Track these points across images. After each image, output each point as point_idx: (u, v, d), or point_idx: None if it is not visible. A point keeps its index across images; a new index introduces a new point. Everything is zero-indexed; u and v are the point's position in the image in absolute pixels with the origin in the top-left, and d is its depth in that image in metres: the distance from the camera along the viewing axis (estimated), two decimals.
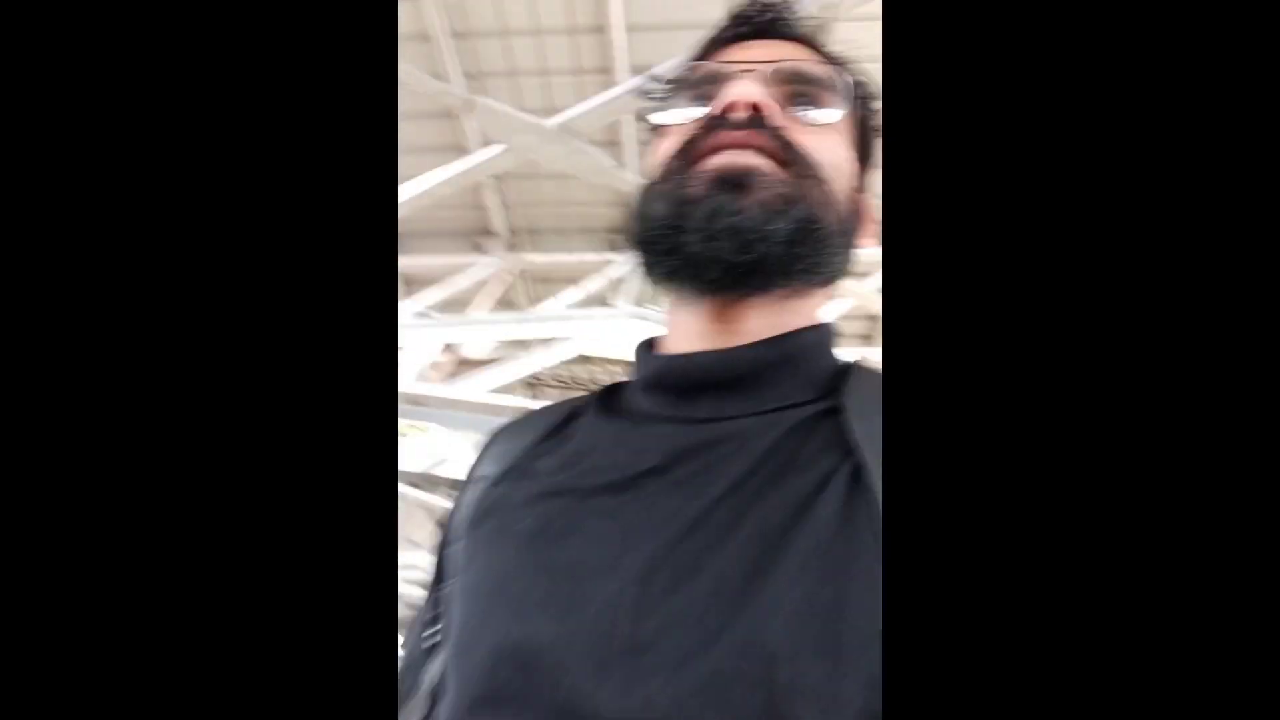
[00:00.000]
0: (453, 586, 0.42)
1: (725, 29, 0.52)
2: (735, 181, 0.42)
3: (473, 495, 0.46)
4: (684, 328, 0.47)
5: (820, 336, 0.47)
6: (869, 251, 0.50)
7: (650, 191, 0.46)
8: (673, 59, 0.50)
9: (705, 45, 0.52)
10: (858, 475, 0.37)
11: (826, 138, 0.47)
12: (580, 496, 0.41)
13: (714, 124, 0.45)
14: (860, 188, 0.51)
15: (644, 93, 0.51)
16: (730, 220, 0.41)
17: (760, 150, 0.43)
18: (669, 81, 0.50)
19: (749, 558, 0.35)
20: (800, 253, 0.43)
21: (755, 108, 0.44)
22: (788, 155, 0.44)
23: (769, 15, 0.51)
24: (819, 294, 0.49)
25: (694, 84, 0.49)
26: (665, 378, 0.45)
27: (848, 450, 0.38)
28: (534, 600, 0.37)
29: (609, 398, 0.50)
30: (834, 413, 0.41)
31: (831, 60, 0.50)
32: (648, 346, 0.50)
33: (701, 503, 0.37)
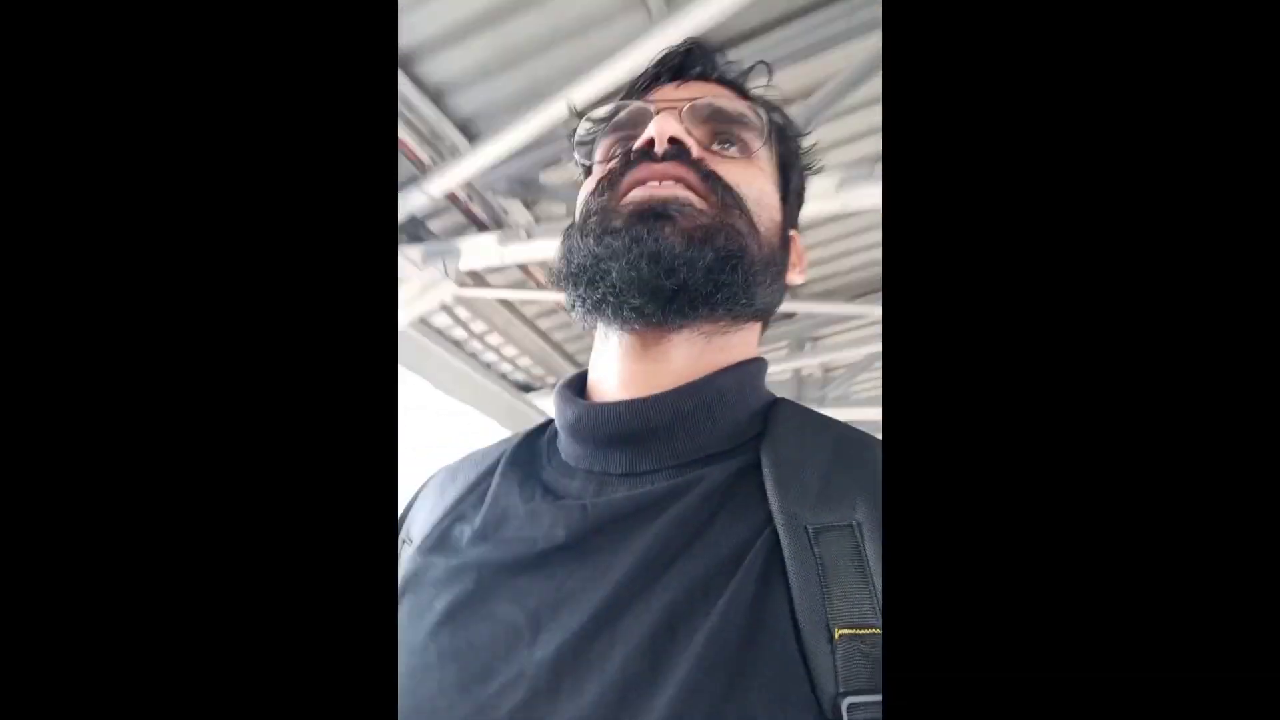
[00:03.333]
0: None
1: (651, 71, 0.53)
2: (657, 212, 0.42)
3: (404, 559, 0.45)
4: (609, 366, 0.46)
5: (740, 378, 0.45)
6: None
7: (574, 228, 0.46)
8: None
9: (631, 88, 0.53)
10: (774, 552, 0.35)
11: (748, 172, 0.47)
12: (490, 574, 0.39)
13: (635, 159, 0.46)
14: (786, 224, 0.51)
15: (572, 135, 0.52)
16: (653, 248, 0.41)
17: (681, 182, 0.44)
18: (595, 122, 0.51)
19: (655, 651, 0.32)
20: (723, 280, 0.42)
21: (674, 141, 0.45)
22: (709, 186, 0.44)
23: (693, 58, 0.52)
24: (748, 329, 0.48)
25: (619, 125, 0.50)
26: (580, 428, 0.44)
27: (766, 518, 0.36)
28: (446, 699, 0.35)
29: (528, 447, 0.49)
30: (754, 468, 0.40)
31: (750, 99, 0.52)
32: (569, 388, 0.49)
33: (607, 587, 0.35)
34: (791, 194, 0.53)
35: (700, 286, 0.42)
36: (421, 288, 2.07)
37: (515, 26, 1.49)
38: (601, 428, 0.43)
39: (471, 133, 1.76)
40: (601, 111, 0.51)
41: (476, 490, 0.46)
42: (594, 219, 0.45)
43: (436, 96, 1.66)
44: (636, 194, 0.44)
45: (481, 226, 1.98)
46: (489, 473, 0.47)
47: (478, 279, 2.31)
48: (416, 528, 0.47)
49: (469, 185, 1.85)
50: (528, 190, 1.90)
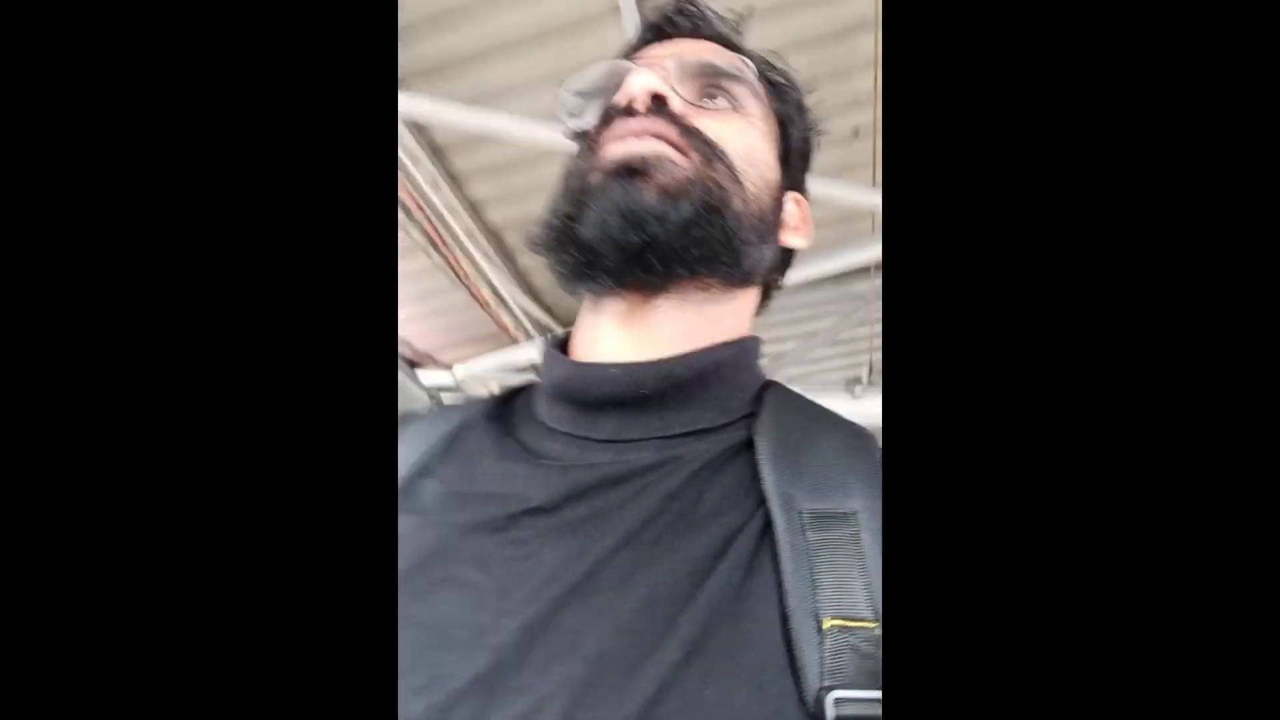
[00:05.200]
0: None
1: (641, 33, 0.51)
2: (633, 168, 0.40)
3: None
4: (595, 331, 0.44)
5: (737, 353, 0.43)
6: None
7: (555, 192, 0.44)
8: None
9: (623, 52, 0.52)
10: (763, 537, 0.33)
11: (736, 126, 0.45)
12: (454, 533, 0.36)
13: (614, 115, 0.44)
14: (784, 184, 0.49)
15: (563, 105, 0.51)
16: (624, 203, 0.39)
17: (660, 137, 0.42)
18: (584, 91, 0.50)
19: (635, 631, 0.30)
20: (699, 237, 0.40)
21: (656, 97, 0.43)
22: (689, 141, 0.42)
23: (682, 16, 0.50)
24: (742, 299, 0.46)
25: (607, 90, 0.48)
26: (568, 388, 0.42)
27: (758, 501, 0.35)
28: (402, 664, 0.32)
29: (506, 405, 0.46)
30: (745, 447, 0.38)
31: (744, 52, 0.49)
32: (558, 346, 0.46)
33: (587, 560, 0.33)
34: (792, 154, 0.50)
35: (673, 241, 0.40)
36: None
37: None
38: (590, 389, 0.41)
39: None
40: (587, 80, 0.49)
41: (445, 443, 0.43)
42: (572, 180, 0.43)
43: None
44: (613, 150, 0.42)
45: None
46: (460, 427, 0.44)
47: None
48: None
49: None
50: None
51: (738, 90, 0.47)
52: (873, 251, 2.06)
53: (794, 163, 0.50)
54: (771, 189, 0.47)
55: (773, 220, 0.47)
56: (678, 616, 0.30)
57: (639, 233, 0.39)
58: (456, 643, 0.32)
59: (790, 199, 0.50)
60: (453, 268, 2.03)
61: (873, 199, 1.86)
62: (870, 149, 1.89)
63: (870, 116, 1.81)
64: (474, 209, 2.03)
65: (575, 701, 0.29)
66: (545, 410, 0.43)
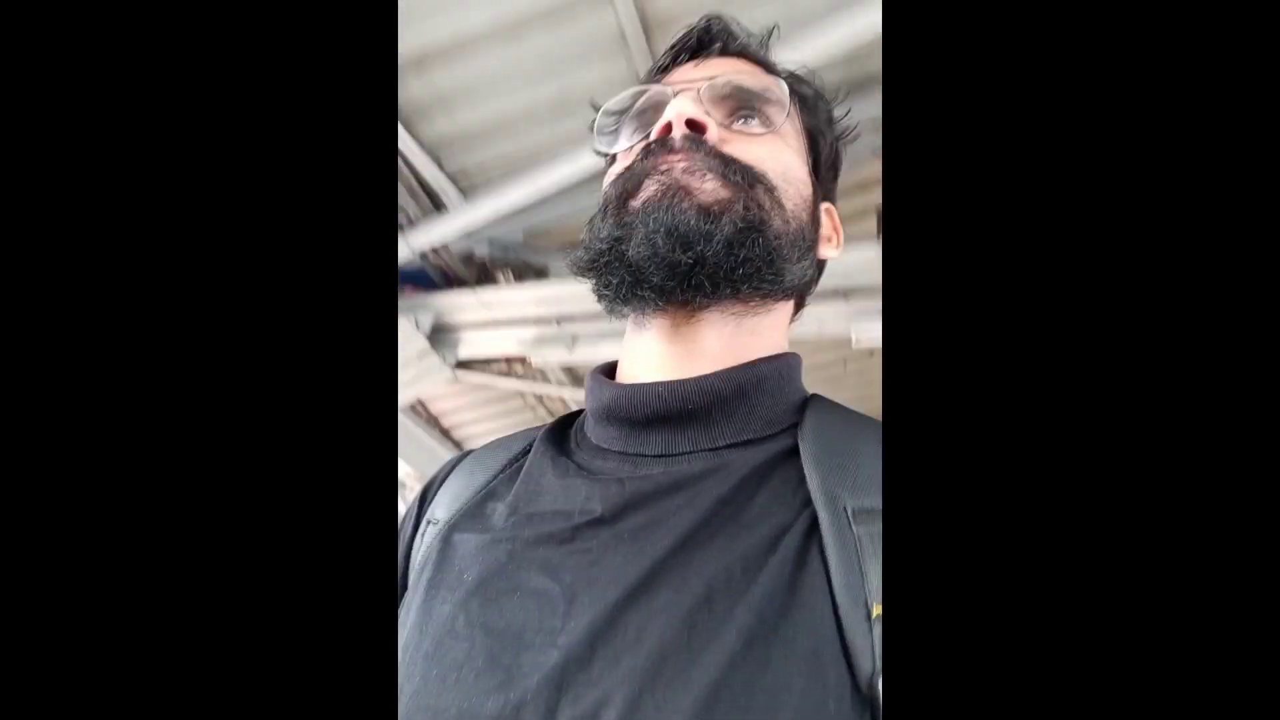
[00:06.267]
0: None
1: (669, 53, 0.53)
2: (674, 192, 0.42)
3: (427, 538, 0.44)
4: (640, 351, 0.46)
5: (779, 368, 0.45)
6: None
7: (596, 219, 0.46)
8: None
9: (652, 71, 0.53)
10: (811, 534, 0.35)
11: (771, 147, 0.46)
12: (523, 547, 0.39)
13: (653, 147, 0.45)
14: (819, 198, 0.50)
15: (594, 126, 0.52)
16: (669, 222, 0.41)
17: (697, 173, 0.43)
18: (615, 112, 0.51)
19: (694, 624, 0.32)
20: (744, 255, 0.41)
21: (691, 124, 0.45)
22: (727, 169, 0.43)
23: (710, 35, 0.51)
24: (779, 311, 0.48)
25: (638, 111, 0.50)
26: (616, 410, 0.44)
27: (804, 502, 0.36)
28: (474, 669, 0.34)
29: (560, 430, 0.48)
30: (790, 455, 0.39)
31: (772, 71, 0.51)
32: (605, 373, 0.48)
33: (645, 561, 0.35)
34: (823, 166, 0.51)
35: (720, 261, 0.41)
36: (417, 375, 2.06)
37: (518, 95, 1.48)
38: (638, 409, 0.43)
39: (464, 187, 1.75)
40: (620, 102, 0.51)
41: (508, 470, 0.46)
42: (612, 204, 0.45)
43: (433, 151, 1.66)
44: (657, 180, 0.43)
45: (459, 283, 1.95)
46: (521, 454, 0.47)
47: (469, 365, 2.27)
48: (442, 509, 0.46)
49: (445, 247, 1.86)
50: (509, 253, 1.88)
51: (770, 110, 0.48)
52: None
53: (824, 174, 0.52)
54: (808, 205, 0.48)
55: (812, 236, 0.48)
56: (734, 608, 0.32)
57: (687, 252, 0.41)
58: (528, 645, 0.34)
59: (823, 210, 0.51)
60: None
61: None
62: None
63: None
64: None
65: (642, 690, 0.30)
66: (596, 433, 0.45)
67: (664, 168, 0.43)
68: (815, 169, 0.51)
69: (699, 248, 0.41)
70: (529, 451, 0.47)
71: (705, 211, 0.41)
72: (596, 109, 0.52)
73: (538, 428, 0.50)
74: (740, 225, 0.42)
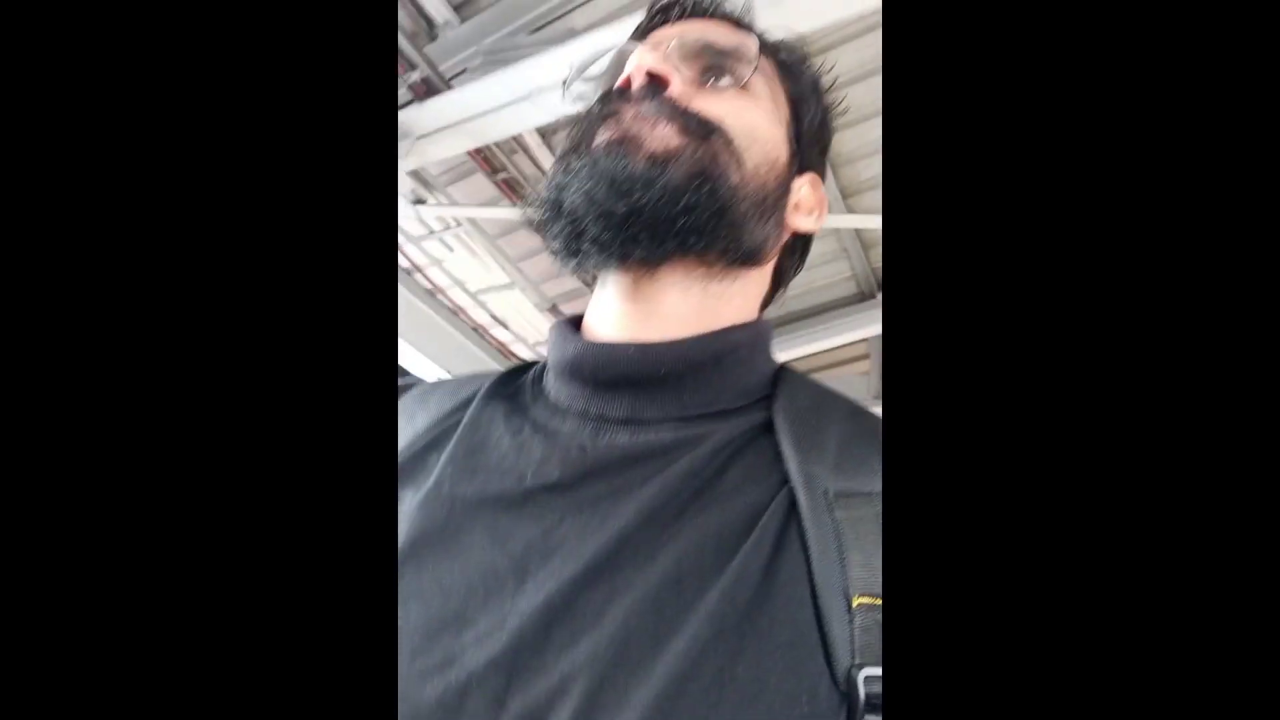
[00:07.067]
0: None
1: (649, 16, 0.51)
2: (623, 140, 0.40)
3: None
4: (602, 309, 0.44)
5: (753, 336, 0.43)
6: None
7: (550, 172, 0.44)
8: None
9: (631, 36, 0.51)
10: (789, 517, 0.33)
11: (738, 104, 0.44)
12: (463, 507, 0.35)
13: (610, 96, 0.44)
14: (795, 165, 0.48)
15: (571, 91, 0.50)
16: (610, 169, 0.38)
17: (652, 114, 0.41)
18: (591, 76, 0.50)
19: (660, 608, 0.30)
20: (688, 202, 0.39)
21: (652, 76, 0.43)
22: (686, 120, 0.41)
23: None
24: (750, 280, 0.46)
25: (609, 70, 0.48)
26: (581, 367, 0.41)
27: (780, 481, 0.34)
28: (409, 645, 0.31)
29: (511, 383, 0.46)
30: (764, 430, 0.38)
31: (749, 30, 0.49)
32: (569, 325, 0.45)
33: (606, 536, 0.32)
34: (806, 134, 0.49)
35: (660, 210, 0.38)
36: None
37: None
38: (606, 369, 0.40)
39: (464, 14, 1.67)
40: (596, 67, 0.49)
41: (453, 417, 0.43)
42: (565, 153, 0.43)
43: None
44: (606, 130, 0.41)
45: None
46: (466, 401, 0.43)
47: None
48: None
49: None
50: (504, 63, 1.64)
51: (741, 69, 0.46)
52: None
53: (806, 143, 0.50)
54: (776, 167, 0.46)
55: (776, 198, 0.46)
56: (705, 591, 0.30)
57: (624, 201, 0.38)
58: (470, 622, 0.31)
59: (805, 181, 0.49)
60: None
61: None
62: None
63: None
64: None
65: (601, 678, 0.28)
66: (555, 389, 0.43)
67: (616, 115, 0.42)
68: (797, 137, 0.48)
69: (636, 195, 0.38)
70: (472, 400, 0.43)
71: (652, 158, 0.39)
72: (568, 77, 0.50)
73: (487, 374, 0.47)
74: (688, 173, 0.39)
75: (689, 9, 0.50)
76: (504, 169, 2.06)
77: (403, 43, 1.64)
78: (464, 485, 0.37)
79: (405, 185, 1.95)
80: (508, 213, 2.11)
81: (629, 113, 0.41)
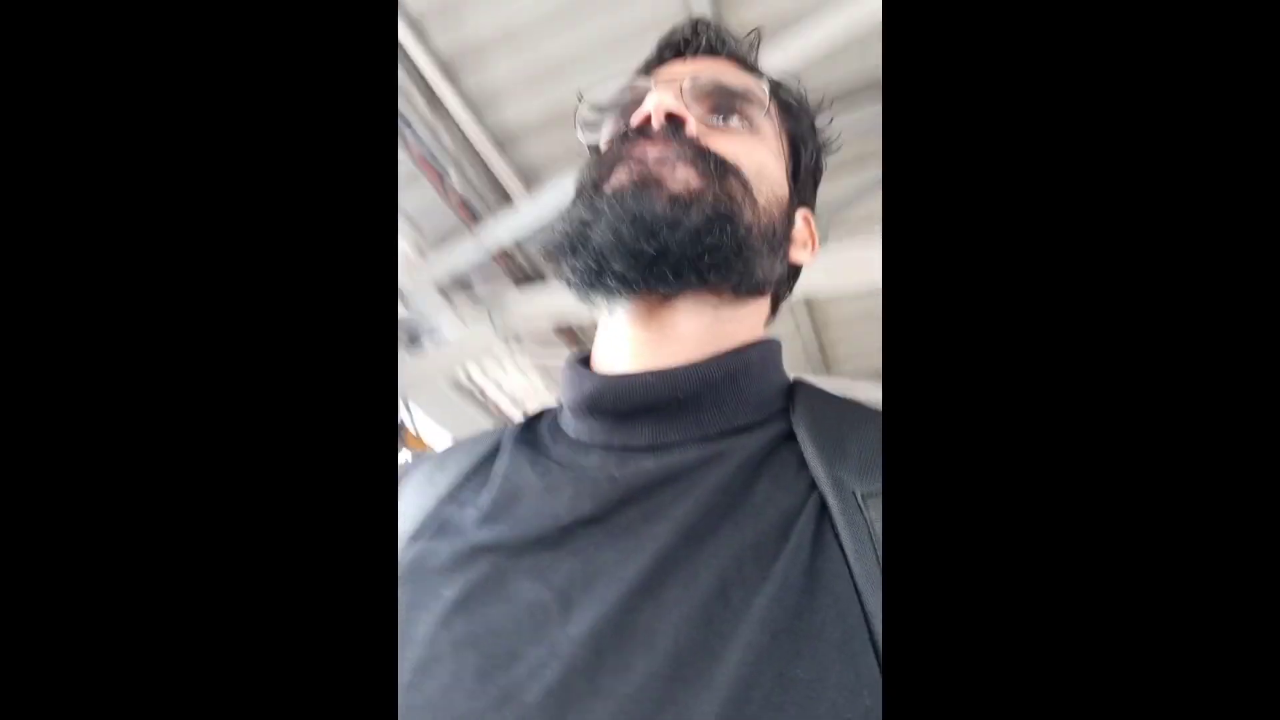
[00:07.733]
0: None
1: (657, 51, 0.53)
2: (645, 181, 0.41)
3: None
4: (614, 340, 0.45)
5: (765, 353, 0.45)
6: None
7: (569, 201, 0.45)
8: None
9: (641, 69, 0.53)
10: (821, 519, 0.34)
11: (748, 144, 0.47)
12: (508, 554, 0.36)
13: (630, 134, 0.45)
14: (795, 201, 0.51)
15: (580, 119, 0.52)
16: (635, 210, 0.40)
17: (673, 156, 0.43)
18: (601, 106, 0.51)
19: (710, 620, 0.30)
20: (711, 243, 0.41)
21: (670, 116, 0.44)
22: (701, 160, 0.43)
23: (699, 35, 0.52)
24: (754, 307, 0.47)
25: (621, 104, 0.50)
26: (600, 401, 0.42)
27: (809, 487, 0.35)
28: (463, 690, 0.31)
29: (531, 429, 0.46)
30: (785, 440, 0.39)
31: (757, 73, 0.51)
32: (580, 363, 0.47)
33: (646, 558, 0.33)
34: (803, 172, 0.52)
35: (685, 249, 0.40)
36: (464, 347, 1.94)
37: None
38: (625, 399, 0.41)
39: (532, 182, 1.68)
40: (607, 96, 0.51)
41: (477, 474, 0.44)
42: (587, 189, 0.44)
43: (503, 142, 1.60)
44: (629, 168, 0.43)
45: (525, 280, 1.83)
46: (488, 456, 0.45)
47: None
48: (402, 519, 0.43)
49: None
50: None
51: (750, 110, 0.48)
52: None
53: (804, 180, 0.52)
54: (782, 204, 0.48)
55: (783, 233, 0.48)
56: (752, 600, 0.31)
57: (651, 241, 0.40)
58: (521, 658, 0.31)
59: (800, 216, 0.52)
60: None
61: None
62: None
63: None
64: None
65: (661, 696, 0.28)
66: (575, 427, 0.43)
67: (637, 155, 0.43)
68: (795, 174, 0.51)
69: (663, 236, 0.40)
70: (496, 454, 0.44)
71: (675, 200, 0.41)
72: (580, 99, 0.51)
73: (500, 429, 0.47)
74: (709, 214, 0.41)
75: (699, 47, 0.52)
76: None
77: None
78: (505, 537, 0.37)
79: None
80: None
81: (651, 153, 0.43)
